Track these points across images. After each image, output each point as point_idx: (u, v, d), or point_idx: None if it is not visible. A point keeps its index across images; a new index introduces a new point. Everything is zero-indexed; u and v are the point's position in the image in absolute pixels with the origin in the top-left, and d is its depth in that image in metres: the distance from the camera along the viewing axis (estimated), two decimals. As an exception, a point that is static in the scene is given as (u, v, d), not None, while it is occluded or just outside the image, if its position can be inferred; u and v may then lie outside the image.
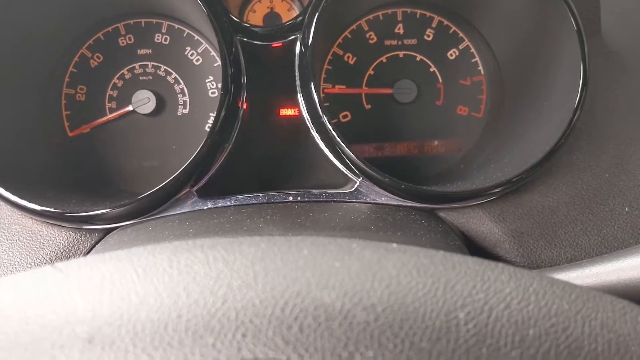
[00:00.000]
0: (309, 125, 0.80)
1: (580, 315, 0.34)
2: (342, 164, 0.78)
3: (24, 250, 0.72)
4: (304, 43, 0.79)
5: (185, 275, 0.33)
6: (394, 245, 0.38)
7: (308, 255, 0.35)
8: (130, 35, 0.95)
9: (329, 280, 0.33)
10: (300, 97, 0.81)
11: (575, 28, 0.74)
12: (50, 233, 0.73)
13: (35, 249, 0.72)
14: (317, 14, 0.77)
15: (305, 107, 0.80)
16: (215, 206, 0.75)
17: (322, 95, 0.80)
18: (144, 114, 0.93)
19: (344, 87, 0.95)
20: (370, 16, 0.96)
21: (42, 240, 0.73)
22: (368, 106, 0.95)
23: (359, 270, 0.34)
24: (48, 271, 0.36)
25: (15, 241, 0.73)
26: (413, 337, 0.30)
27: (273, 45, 0.82)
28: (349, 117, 0.95)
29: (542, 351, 0.31)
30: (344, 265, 0.34)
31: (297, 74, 0.81)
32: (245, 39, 0.82)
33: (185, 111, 0.95)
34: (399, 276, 0.34)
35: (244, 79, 0.81)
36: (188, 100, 0.95)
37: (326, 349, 0.30)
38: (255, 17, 0.95)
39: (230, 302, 0.31)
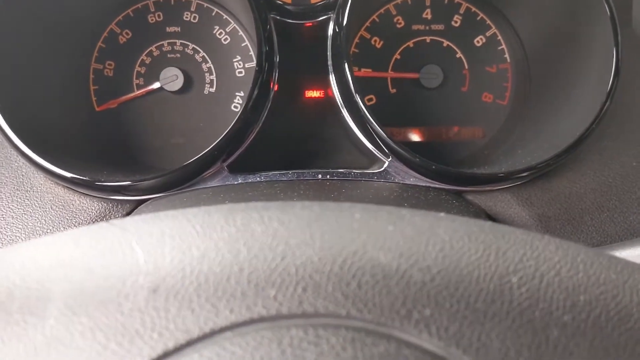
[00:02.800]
0: (339, 105, 0.81)
1: (627, 284, 0.34)
2: (372, 144, 0.79)
3: (56, 218, 0.73)
4: (337, 23, 0.79)
5: (243, 232, 0.34)
6: (442, 214, 0.38)
7: (361, 219, 0.36)
8: (160, 13, 0.96)
9: (384, 242, 0.34)
10: (332, 77, 0.82)
11: (609, 16, 0.74)
12: (82, 203, 0.74)
13: (67, 217, 0.73)
14: (351, -5, 0.78)
15: (337, 87, 0.80)
16: (245, 181, 0.76)
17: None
18: (171, 91, 0.94)
19: (369, 70, 0.95)
20: (399, 1, 0.96)
21: (74, 210, 0.74)
22: (393, 90, 0.96)
23: (412, 234, 0.35)
24: (103, 226, 0.36)
25: (47, 209, 0.74)
26: (468, 298, 0.31)
27: (305, 25, 0.82)
28: (374, 101, 0.95)
29: (594, 316, 0.32)
30: (397, 229, 0.35)
31: (329, 53, 0.81)
32: (278, 17, 0.83)
33: (212, 90, 0.95)
34: (451, 241, 0.34)
35: (277, 58, 0.82)
36: (215, 79, 0.95)
37: (384, 306, 0.31)
38: (284, -4, 0.95)
39: (289, 259, 0.32)
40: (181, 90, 0.94)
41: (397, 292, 0.31)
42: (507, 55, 0.97)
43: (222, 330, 0.29)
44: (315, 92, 0.86)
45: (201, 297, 0.30)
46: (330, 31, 0.83)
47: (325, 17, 0.82)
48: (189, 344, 0.29)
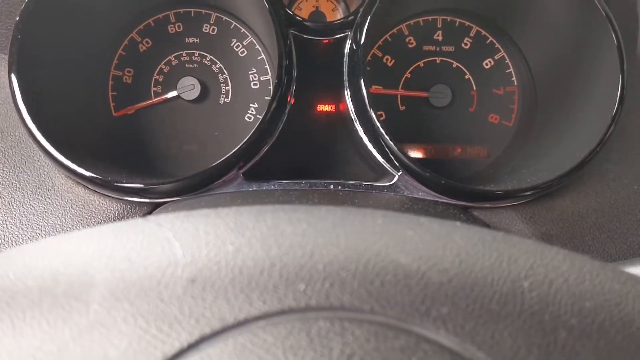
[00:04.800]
0: (353, 119, 0.84)
1: (631, 294, 0.37)
2: (384, 158, 0.82)
3: (76, 217, 0.75)
4: (355, 41, 0.82)
5: (274, 231, 0.36)
6: (458, 223, 0.41)
7: (382, 224, 0.38)
8: (180, 24, 0.99)
9: (404, 245, 0.36)
10: (347, 92, 0.85)
11: (616, 44, 0.77)
12: (102, 203, 0.77)
13: (86, 216, 0.75)
14: (370, 15, 0.81)
15: (351, 102, 0.83)
16: (259, 189, 0.78)
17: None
18: (187, 100, 0.97)
19: (380, 87, 0.98)
20: (412, 21, 1.00)
21: (93, 209, 0.76)
22: (403, 107, 0.99)
23: (430, 239, 0.37)
24: (141, 222, 0.39)
25: (67, 208, 0.76)
26: (483, 298, 0.34)
27: (323, 41, 0.85)
28: (383, 117, 0.98)
29: (599, 320, 0.34)
30: (416, 234, 0.37)
31: (345, 69, 0.84)
32: (297, 33, 0.86)
33: (227, 100, 0.98)
34: (467, 247, 0.37)
35: (295, 72, 0.85)
36: (230, 89, 0.98)
37: (405, 303, 0.33)
38: (301, 14, 0.99)
39: (317, 256, 0.34)
40: (197, 100, 0.97)
41: (417, 291, 0.33)
42: (514, 79, 1.00)
43: (256, 319, 0.32)
44: (328, 106, 0.89)
45: (236, 288, 0.33)
46: (347, 48, 0.86)
47: (343, 34, 0.86)
48: (224, 330, 0.31)
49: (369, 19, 0.81)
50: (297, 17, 0.87)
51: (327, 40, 0.86)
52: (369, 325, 0.32)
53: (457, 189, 0.77)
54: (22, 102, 0.74)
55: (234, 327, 0.31)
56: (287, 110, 0.84)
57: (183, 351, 0.31)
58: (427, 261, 0.35)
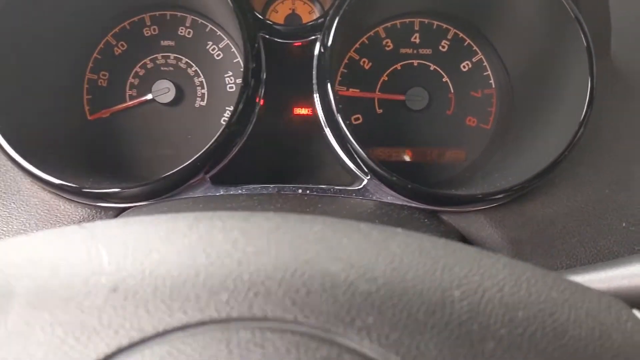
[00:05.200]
0: (322, 123, 0.83)
1: (567, 303, 0.36)
2: (352, 162, 0.81)
3: (40, 222, 0.75)
4: (323, 44, 0.82)
5: (204, 239, 0.36)
6: (399, 229, 0.40)
7: (319, 231, 0.38)
8: (155, 27, 0.99)
9: (337, 253, 0.36)
10: (316, 96, 0.84)
11: (585, 46, 0.76)
12: (67, 208, 0.76)
13: (51, 222, 0.75)
14: (338, 17, 0.80)
15: (320, 106, 0.83)
16: (227, 193, 0.78)
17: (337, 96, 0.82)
18: (162, 103, 0.96)
19: (357, 90, 0.98)
20: (388, 24, 0.99)
21: (58, 214, 0.76)
22: (380, 110, 0.98)
23: (365, 247, 0.37)
24: (75, 229, 0.38)
25: (33, 213, 0.76)
26: (410, 309, 0.33)
27: (294, 44, 0.85)
28: (360, 120, 0.97)
29: (530, 331, 0.33)
30: (352, 241, 0.37)
31: (314, 73, 0.84)
32: (267, 36, 0.85)
33: (203, 103, 0.98)
34: (402, 255, 0.36)
35: (264, 75, 0.84)
36: (206, 93, 0.98)
37: (330, 313, 0.32)
38: (277, 17, 0.98)
39: (244, 265, 0.34)
40: (172, 103, 0.96)
41: (343, 301, 0.33)
42: (492, 81, 0.99)
43: (174, 330, 0.31)
44: (301, 109, 0.88)
45: (157, 298, 0.32)
46: (316, 52, 0.85)
47: (313, 37, 0.85)
48: (143, 341, 0.31)
49: (336, 21, 0.80)
50: (267, 21, 0.87)
51: (298, 44, 0.86)
52: (291, 335, 0.31)
53: (424, 193, 0.76)
54: (-14, 107, 0.74)
55: (153, 338, 0.31)
56: (255, 113, 0.83)
57: (99, 363, 0.30)
58: (357, 270, 0.34)
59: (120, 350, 0.31)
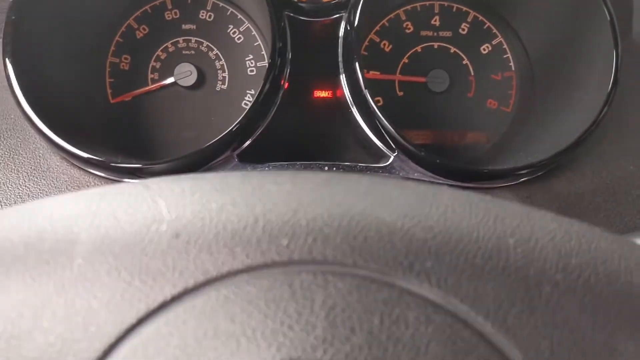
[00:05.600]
0: (349, 102, 0.84)
1: (617, 254, 0.36)
2: (379, 139, 0.82)
3: (71, 199, 0.75)
4: (349, 22, 0.82)
5: (258, 191, 0.36)
6: (445, 186, 0.41)
7: (368, 185, 0.38)
8: (176, 10, 0.99)
9: (389, 204, 0.36)
10: (342, 75, 0.85)
11: (610, 23, 0.77)
12: (98, 185, 0.77)
13: (81, 198, 0.75)
14: (363, -5, 0.81)
15: (347, 85, 0.83)
16: (254, 170, 0.78)
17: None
18: (184, 87, 0.97)
19: (378, 73, 0.98)
20: (409, 7, 1.00)
21: (87, 191, 0.76)
22: (400, 93, 0.98)
23: (416, 199, 0.37)
24: (127, 184, 0.39)
25: (63, 189, 0.76)
26: (467, 254, 0.33)
27: (318, 23, 0.85)
28: (381, 103, 0.98)
29: (584, 276, 0.34)
30: (402, 194, 0.37)
31: (340, 51, 0.84)
32: (292, 14, 0.86)
33: (224, 87, 0.98)
34: (453, 206, 0.37)
35: (289, 55, 0.85)
36: (227, 76, 0.98)
37: (388, 258, 0.33)
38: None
39: (301, 213, 0.34)
40: (194, 86, 0.97)
41: (401, 246, 0.33)
42: (512, 64, 1.00)
43: (238, 272, 0.32)
44: (323, 91, 0.89)
45: (219, 242, 0.33)
46: (341, 31, 0.86)
47: (338, 15, 0.86)
48: (208, 282, 0.31)
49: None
50: (291, -1, 0.88)
51: (322, 22, 0.86)
52: (351, 278, 0.32)
53: (452, 169, 0.77)
54: (17, 85, 0.74)
55: (217, 279, 0.32)
56: (280, 92, 0.84)
57: (166, 303, 0.31)
58: (411, 219, 0.35)
59: (187, 291, 0.31)
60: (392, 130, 0.76)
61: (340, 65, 0.85)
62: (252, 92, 0.97)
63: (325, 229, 0.34)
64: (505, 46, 1.00)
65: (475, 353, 0.31)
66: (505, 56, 1.00)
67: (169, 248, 0.33)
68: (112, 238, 0.34)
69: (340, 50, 0.85)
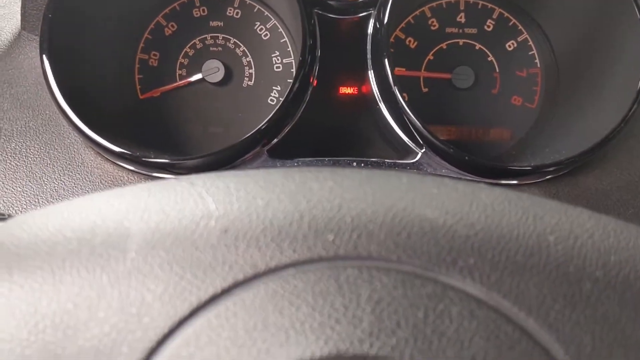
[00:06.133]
0: (377, 99, 0.85)
1: (655, 251, 0.37)
2: (408, 136, 0.83)
3: (104, 193, 0.77)
4: (378, 20, 0.83)
5: (301, 187, 0.37)
6: (482, 184, 0.41)
7: (407, 183, 0.39)
8: (204, 7, 1.00)
9: (430, 201, 0.37)
10: (370, 71, 0.86)
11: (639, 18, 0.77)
12: (130, 179, 0.79)
13: (115, 192, 0.77)
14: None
15: (375, 81, 0.84)
16: (283, 165, 0.80)
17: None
18: (212, 83, 0.98)
19: (403, 69, 0.99)
20: (434, 4, 1.00)
21: (121, 186, 0.78)
22: (425, 89, 0.99)
23: (456, 196, 0.38)
24: (173, 181, 0.40)
25: (97, 184, 0.78)
26: (509, 251, 0.34)
27: (346, 20, 0.86)
28: (406, 99, 0.98)
29: (623, 274, 0.34)
30: (442, 192, 0.38)
31: (369, 48, 0.85)
32: (321, 12, 0.87)
33: (251, 83, 0.99)
34: (493, 204, 0.37)
35: (318, 52, 0.86)
36: (254, 72, 0.99)
37: (432, 254, 0.34)
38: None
39: (345, 210, 0.35)
40: (221, 83, 0.98)
41: (444, 243, 0.34)
42: (537, 61, 0.99)
43: (286, 266, 0.33)
44: (351, 87, 0.89)
45: (267, 237, 0.34)
46: (370, 28, 0.86)
47: (366, 13, 0.86)
48: (256, 276, 0.32)
49: (391, -2, 0.81)
50: (320, -4, 0.88)
51: (350, 19, 0.87)
52: (396, 273, 0.33)
53: (481, 166, 0.77)
54: (53, 81, 0.76)
55: (266, 273, 0.33)
56: (309, 89, 0.85)
57: (217, 296, 0.32)
58: (453, 216, 0.36)
59: (237, 284, 0.32)
60: (421, 126, 0.77)
61: (369, 62, 0.86)
62: (278, 88, 0.98)
63: (370, 225, 0.34)
64: (530, 43, 1.00)
65: (518, 348, 0.31)
66: (530, 53, 1.00)
67: (219, 243, 0.34)
68: (162, 232, 0.35)
69: (369, 47, 0.85)
